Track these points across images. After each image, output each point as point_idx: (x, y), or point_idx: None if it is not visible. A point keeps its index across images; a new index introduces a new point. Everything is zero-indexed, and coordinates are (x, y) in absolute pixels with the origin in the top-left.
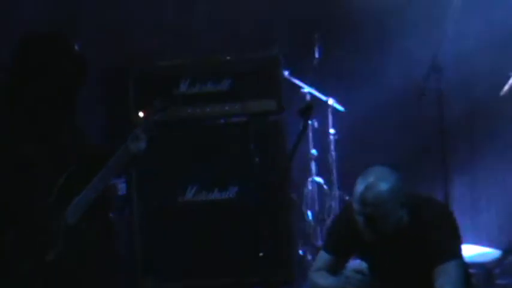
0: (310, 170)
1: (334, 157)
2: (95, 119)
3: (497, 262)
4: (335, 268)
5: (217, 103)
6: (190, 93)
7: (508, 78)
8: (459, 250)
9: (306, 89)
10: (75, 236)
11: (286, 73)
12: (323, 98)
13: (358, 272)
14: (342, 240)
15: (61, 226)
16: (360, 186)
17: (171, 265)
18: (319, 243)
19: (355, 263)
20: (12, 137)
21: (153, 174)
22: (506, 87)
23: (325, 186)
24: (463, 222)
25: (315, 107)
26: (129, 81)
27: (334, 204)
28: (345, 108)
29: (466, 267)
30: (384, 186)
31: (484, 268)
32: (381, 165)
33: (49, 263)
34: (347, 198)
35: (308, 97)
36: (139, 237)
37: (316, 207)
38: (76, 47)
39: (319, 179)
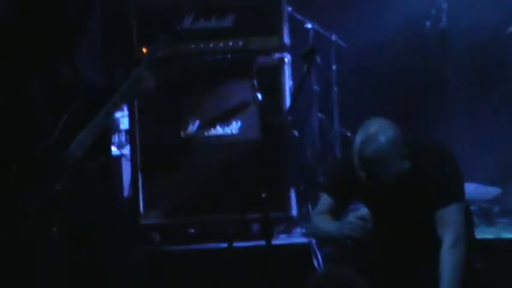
0: (312, 106)
1: (336, 93)
2: (95, 59)
3: (497, 200)
4: (338, 210)
5: (221, 39)
6: (193, 29)
7: None
8: (461, 193)
9: (309, 25)
10: (79, 172)
11: (289, 9)
12: (326, 34)
13: (360, 218)
14: (343, 185)
15: (65, 162)
16: (358, 141)
17: (172, 201)
18: (320, 179)
19: (361, 211)
20: (14, 74)
21: (155, 109)
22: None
23: (326, 123)
24: (463, 160)
25: (318, 48)
26: (131, 17)
27: (336, 141)
28: (349, 44)
29: (468, 207)
30: (383, 140)
31: (484, 206)
32: (379, 118)
33: (53, 198)
34: (349, 134)
35: (311, 33)
36: (142, 172)
37: (318, 144)
38: None
39: (321, 115)
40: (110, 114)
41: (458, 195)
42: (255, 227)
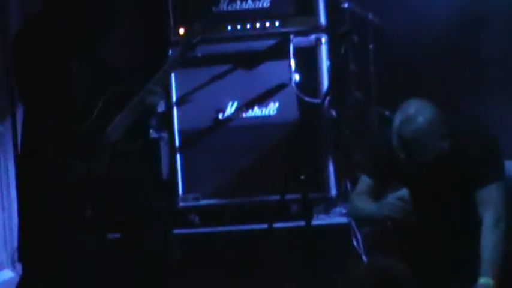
0: (349, 85)
1: (373, 72)
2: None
3: None
4: (377, 191)
5: (258, 20)
6: (230, 11)
7: None
8: (501, 172)
9: (346, 4)
10: (116, 154)
11: None
12: (363, 13)
13: (400, 199)
14: (382, 165)
15: (102, 144)
16: (397, 122)
17: (211, 183)
18: (359, 159)
19: (401, 192)
20: (52, 56)
21: (192, 91)
22: None
23: (364, 102)
24: (503, 138)
25: (354, 27)
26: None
27: (373, 120)
28: (385, 22)
29: (509, 186)
30: (422, 121)
31: None
32: (417, 98)
33: (91, 180)
34: (387, 113)
35: (347, 12)
36: (180, 155)
37: (356, 123)
38: None
39: (358, 94)
40: (146, 98)
41: (498, 174)
42: (294, 207)
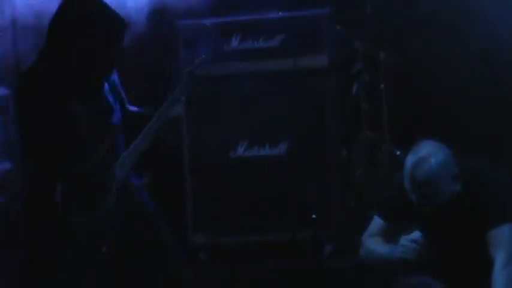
0: (361, 124)
1: (385, 111)
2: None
3: None
4: (389, 233)
5: (269, 59)
6: (241, 49)
7: None
8: None
9: (358, 43)
10: (125, 190)
11: (337, 28)
12: (374, 52)
13: (413, 241)
14: (395, 207)
15: (111, 181)
16: (409, 164)
17: (221, 221)
18: (369, 199)
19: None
20: (60, 96)
21: (204, 130)
22: None
23: (376, 141)
24: None
25: (366, 66)
26: (179, 37)
27: (385, 159)
28: (398, 60)
29: None
30: (433, 163)
31: None
32: (429, 139)
33: (101, 218)
34: (398, 152)
35: (359, 52)
36: (190, 193)
37: (367, 162)
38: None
39: (370, 133)
40: (149, 135)
41: (510, 215)
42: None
